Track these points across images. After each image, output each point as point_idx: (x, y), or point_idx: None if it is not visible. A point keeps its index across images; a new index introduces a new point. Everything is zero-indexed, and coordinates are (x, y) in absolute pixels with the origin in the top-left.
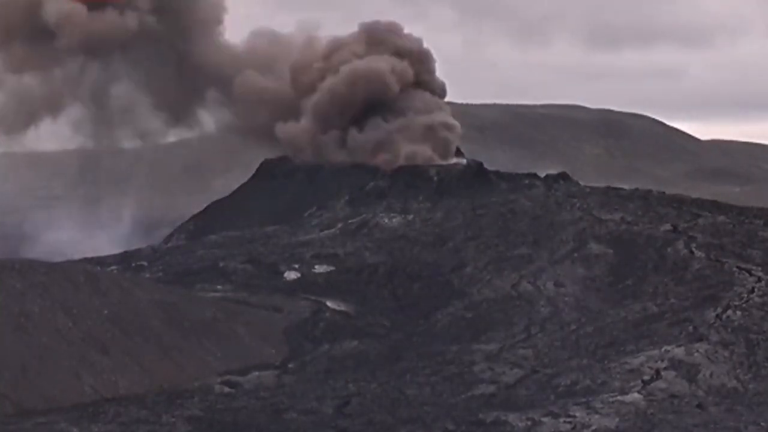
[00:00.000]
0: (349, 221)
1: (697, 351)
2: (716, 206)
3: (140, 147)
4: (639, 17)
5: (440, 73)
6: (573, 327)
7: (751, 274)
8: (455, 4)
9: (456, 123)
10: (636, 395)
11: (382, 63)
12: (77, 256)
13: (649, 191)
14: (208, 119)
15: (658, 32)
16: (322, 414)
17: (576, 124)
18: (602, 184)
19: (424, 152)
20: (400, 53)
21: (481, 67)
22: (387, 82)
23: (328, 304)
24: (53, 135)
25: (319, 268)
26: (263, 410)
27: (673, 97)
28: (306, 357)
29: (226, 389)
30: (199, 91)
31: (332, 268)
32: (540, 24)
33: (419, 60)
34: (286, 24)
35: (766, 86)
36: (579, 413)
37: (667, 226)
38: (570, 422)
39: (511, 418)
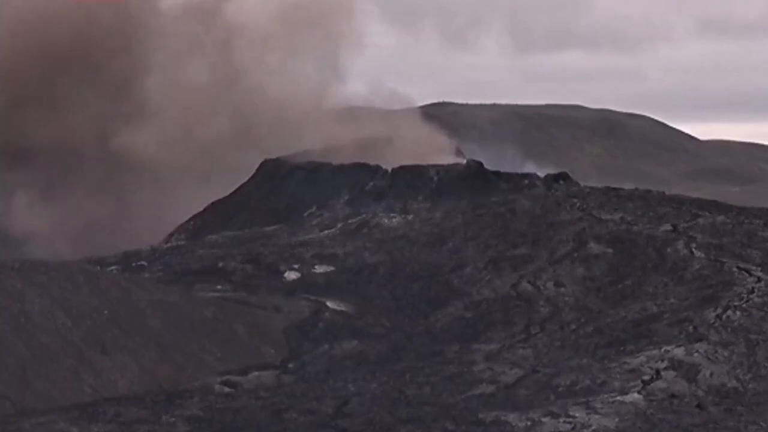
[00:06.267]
0: (349, 221)
1: (697, 351)
2: (716, 206)
3: None
4: (572, 21)
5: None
6: (573, 327)
7: (751, 274)
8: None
9: None
10: (636, 395)
11: None
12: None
13: (649, 191)
14: None
15: (596, 36)
16: (321, 414)
17: (576, 124)
18: (602, 184)
19: None
20: None
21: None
22: None
23: (328, 304)
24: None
25: (319, 268)
26: (263, 410)
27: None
28: (306, 357)
29: (226, 389)
30: None
31: (332, 268)
32: (467, 27)
33: None
34: None
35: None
36: (579, 413)
37: (667, 226)
38: (570, 422)
39: (511, 418)
